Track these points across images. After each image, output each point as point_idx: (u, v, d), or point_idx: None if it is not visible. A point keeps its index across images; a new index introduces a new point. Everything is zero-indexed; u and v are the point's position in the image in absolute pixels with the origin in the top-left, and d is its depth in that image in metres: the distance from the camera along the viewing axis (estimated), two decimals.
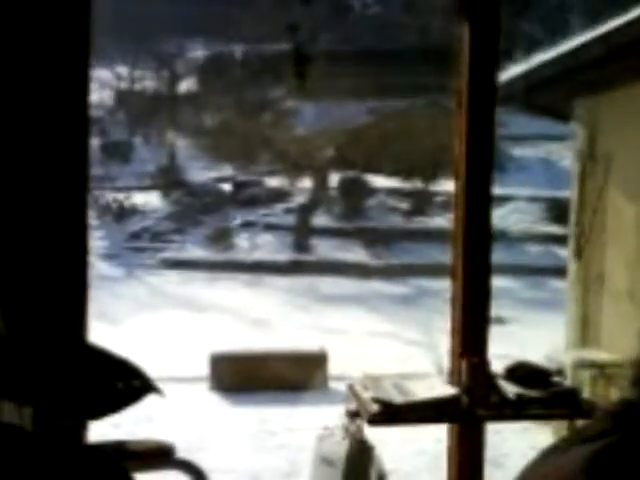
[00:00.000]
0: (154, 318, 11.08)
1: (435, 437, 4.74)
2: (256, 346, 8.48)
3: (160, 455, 2.97)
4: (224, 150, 19.03)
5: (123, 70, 22.17)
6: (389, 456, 3.46)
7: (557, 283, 11.83)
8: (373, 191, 18.34)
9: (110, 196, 17.96)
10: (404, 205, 18.36)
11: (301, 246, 16.47)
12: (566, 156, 14.01)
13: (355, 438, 2.96)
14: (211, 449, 5.72)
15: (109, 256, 15.93)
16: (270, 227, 17.46)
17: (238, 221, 17.68)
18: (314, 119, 17.99)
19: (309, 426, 4.92)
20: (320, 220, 17.48)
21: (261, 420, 6.59)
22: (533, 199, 18.00)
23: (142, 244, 16.97)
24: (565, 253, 7.61)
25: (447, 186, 15.08)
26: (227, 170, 19.63)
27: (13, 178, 1.91)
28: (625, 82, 5.60)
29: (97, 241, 15.88)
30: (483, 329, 3.15)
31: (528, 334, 9.57)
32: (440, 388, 2.98)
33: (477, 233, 3.14)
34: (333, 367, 7.73)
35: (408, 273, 14.98)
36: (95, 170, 17.02)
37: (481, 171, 3.14)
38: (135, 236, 17.31)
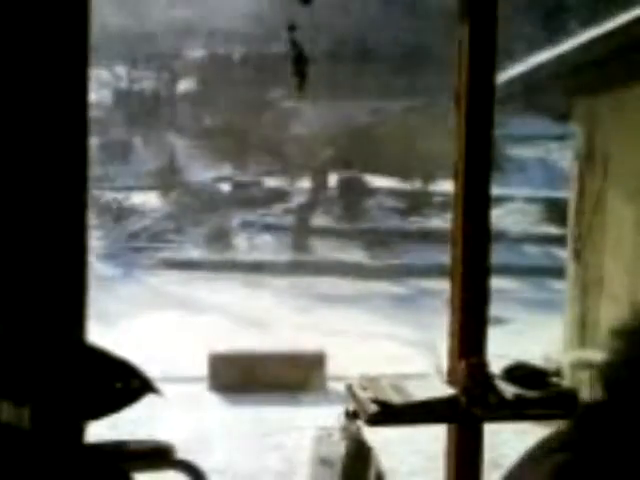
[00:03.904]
0: (153, 318, 11.07)
1: (433, 437, 4.74)
2: (255, 346, 8.48)
3: (159, 455, 2.96)
4: (223, 150, 19.03)
5: (122, 70, 22.15)
6: (387, 456, 3.46)
7: (555, 284, 11.83)
8: (372, 191, 18.34)
9: (109, 196, 17.95)
10: (403, 205, 18.36)
11: (300, 246, 16.46)
12: (564, 156, 14.02)
13: (353, 438, 2.96)
14: (210, 449, 5.72)
15: (108, 256, 15.93)
16: (269, 227, 17.46)
17: (237, 221, 17.68)
18: (313, 119, 17.99)
19: (308, 426, 4.91)
20: (319, 220, 17.48)
21: (260, 420, 6.59)
22: (531, 199, 18.00)
23: (141, 244, 16.97)
24: (563, 254, 7.61)
25: (446, 186, 15.09)
26: (226, 170, 19.63)
27: (13, 178, 1.91)
28: (624, 82, 5.61)
29: (96, 241, 15.87)
30: (482, 330, 3.15)
31: (526, 335, 9.58)
32: (438, 388, 2.98)
33: (476, 234, 3.14)
34: (332, 368, 7.73)
35: (407, 274, 14.98)
36: (94, 170, 17.01)
37: (480, 171, 3.14)
38: (134, 236, 17.31)
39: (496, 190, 3.23)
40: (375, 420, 2.82)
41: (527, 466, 0.89)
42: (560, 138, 15.11)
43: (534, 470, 0.87)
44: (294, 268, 15.23)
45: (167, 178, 19.16)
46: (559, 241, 12.13)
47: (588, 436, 0.87)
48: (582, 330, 6.23)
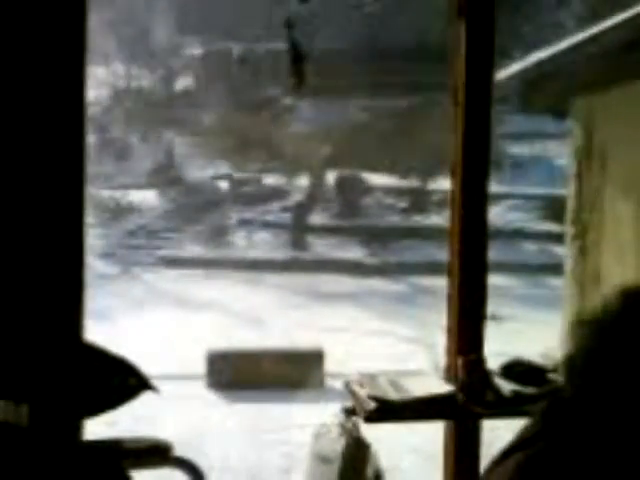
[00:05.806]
0: (151, 316, 11.07)
1: (431, 434, 4.74)
2: (253, 344, 8.49)
3: (157, 453, 2.96)
4: (221, 148, 19.02)
5: (120, 67, 22.13)
6: (385, 453, 3.47)
7: (553, 281, 11.85)
8: (370, 189, 18.35)
9: (107, 194, 17.94)
10: (401, 203, 18.37)
11: (298, 244, 16.47)
12: (562, 154, 14.03)
13: (351, 435, 2.96)
14: (208, 446, 5.73)
15: (106, 254, 15.92)
16: (267, 225, 17.46)
17: (235, 219, 17.68)
18: (311, 117, 17.98)
19: (306, 423, 4.92)
20: (317, 218, 17.48)
21: (258, 417, 6.60)
22: (529, 197, 18.02)
23: (139, 242, 16.96)
24: (561, 251, 7.62)
25: (444, 184, 15.09)
26: (224, 168, 19.62)
27: (9, 176, 1.91)
28: (622, 80, 5.61)
29: (94, 239, 15.87)
30: (479, 327, 3.15)
31: (524, 331, 9.59)
32: (436, 385, 2.98)
33: (474, 231, 3.14)
34: (330, 365, 7.74)
35: (405, 271, 14.99)
36: (92, 168, 16.98)
37: (478, 169, 3.14)
38: (132, 234, 17.30)
39: (494, 187, 3.24)
40: (373, 417, 2.82)
41: (493, 465, 0.90)
42: (558, 136, 15.11)
43: (496, 470, 0.87)
44: (292, 265, 15.23)
45: (165, 176, 19.16)
46: (557, 238, 12.14)
47: (547, 432, 0.87)
48: None
